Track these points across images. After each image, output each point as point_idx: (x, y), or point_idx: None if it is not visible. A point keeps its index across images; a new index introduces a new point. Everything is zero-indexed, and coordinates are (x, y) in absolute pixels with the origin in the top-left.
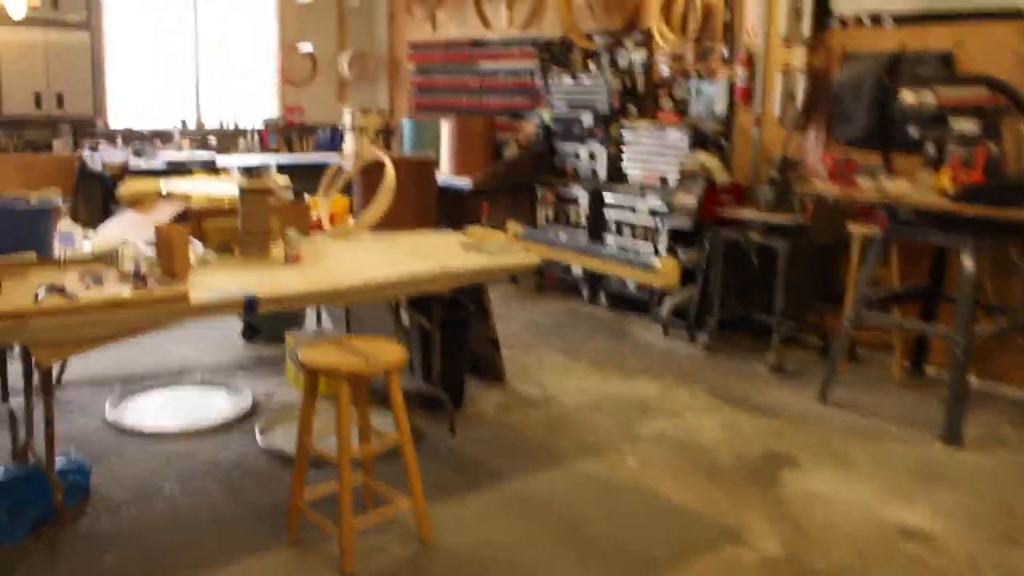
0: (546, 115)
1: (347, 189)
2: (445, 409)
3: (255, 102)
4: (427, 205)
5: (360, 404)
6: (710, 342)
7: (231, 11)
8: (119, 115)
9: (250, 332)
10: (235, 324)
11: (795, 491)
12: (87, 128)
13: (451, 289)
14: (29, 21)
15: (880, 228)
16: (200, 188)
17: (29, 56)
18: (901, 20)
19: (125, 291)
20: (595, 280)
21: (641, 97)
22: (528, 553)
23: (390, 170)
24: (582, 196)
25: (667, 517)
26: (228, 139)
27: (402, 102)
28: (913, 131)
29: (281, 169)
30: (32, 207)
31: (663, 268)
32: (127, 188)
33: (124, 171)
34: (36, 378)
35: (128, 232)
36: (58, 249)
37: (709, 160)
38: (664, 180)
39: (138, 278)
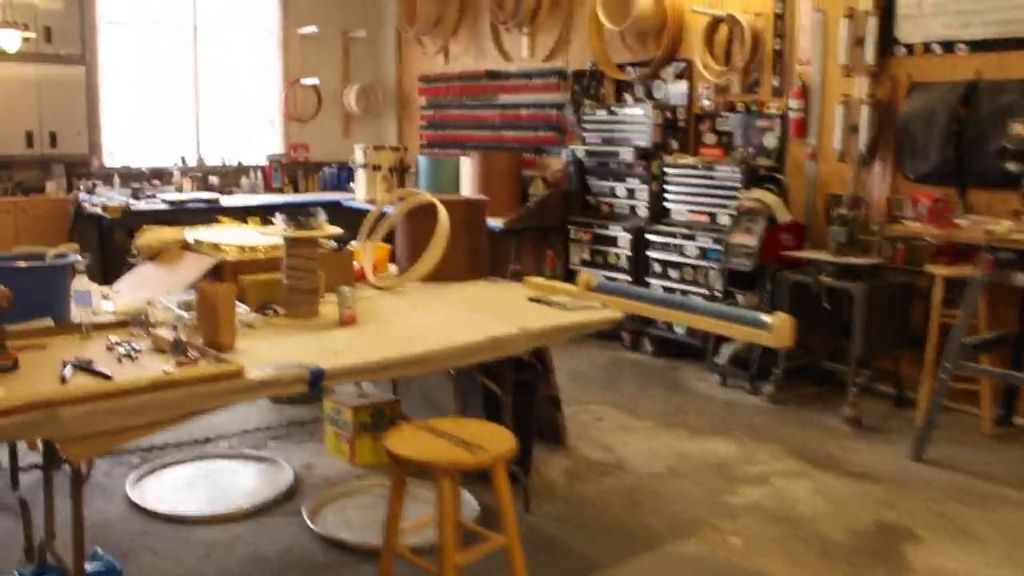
0: (579, 150)
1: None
2: (517, 481)
3: (258, 138)
4: (478, 251)
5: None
6: (776, 393)
7: (232, 43)
8: (114, 153)
9: None
10: None
11: (926, 570)
12: (81, 168)
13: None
14: (21, 56)
15: (985, 271)
16: (229, 237)
17: (21, 93)
18: (976, 46)
19: (170, 368)
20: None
21: (681, 131)
22: None
23: (443, 215)
24: (622, 236)
25: None
26: (230, 177)
27: (412, 137)
28: (1013, 166)
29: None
30: (48, 265)
31: (776, 325)
32: (146, 238)
33: (125, 214)
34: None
35: (151, 289)
36: (77, 313)
37: (768, 197)
38: (713, 218)
39: (179, 349)
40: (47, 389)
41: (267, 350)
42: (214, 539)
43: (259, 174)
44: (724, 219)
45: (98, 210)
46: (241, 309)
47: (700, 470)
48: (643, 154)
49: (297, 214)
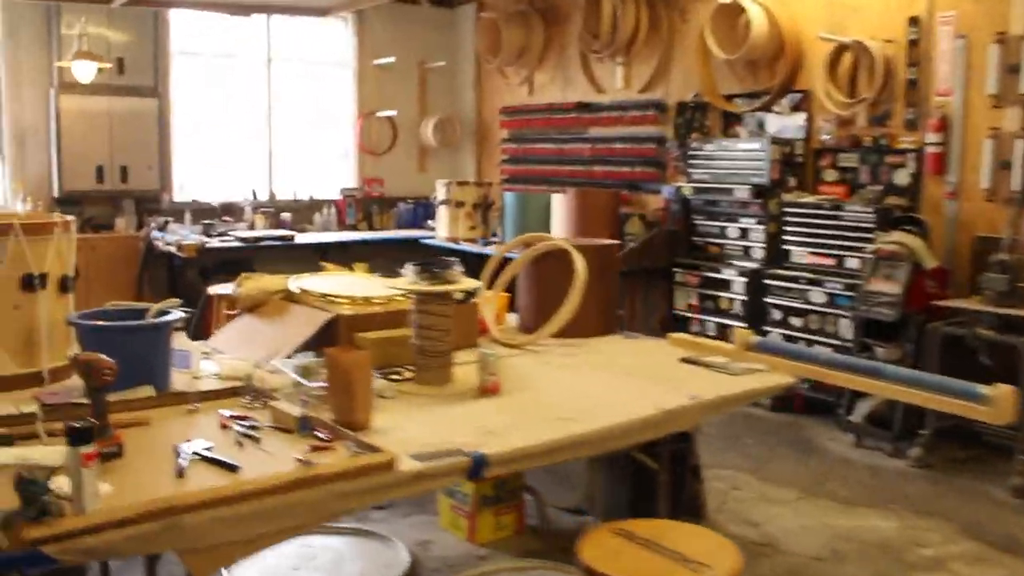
0: (686, 187)
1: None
2: None
3: (330, 172)
4: (611, 303)
5: None
6: (924, 456)
7: (306, 74)
8: (184, 188)
9: None
10: None
11: None
12: (151, 204)
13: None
14: (93, 88)
15: None
16: (338, 286)
17: (92, 126)
18: None
19: (302, 454)
20: None
21: (799, 167)
22: None
23: (580, 263)
24: (736, 280)
25: None
26: (302, 213)
27: (491, 172)
28: None
29: (364, 247)
30: (150, 324)
31: (996, 398)
32: (247, 287)
33: (200, 252)
34: None
35: (256, 348)
36: (179, 377)
37: (911, 240)
38: (840, 262)
39: (307, 427)
40: (163, 487)
41: (408, 428)
42: None
43: (332, 210)
44: (852, 263)
45: (172, 248)
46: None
47: (864, 552)
48: (759, 192)
49: (429, 264)
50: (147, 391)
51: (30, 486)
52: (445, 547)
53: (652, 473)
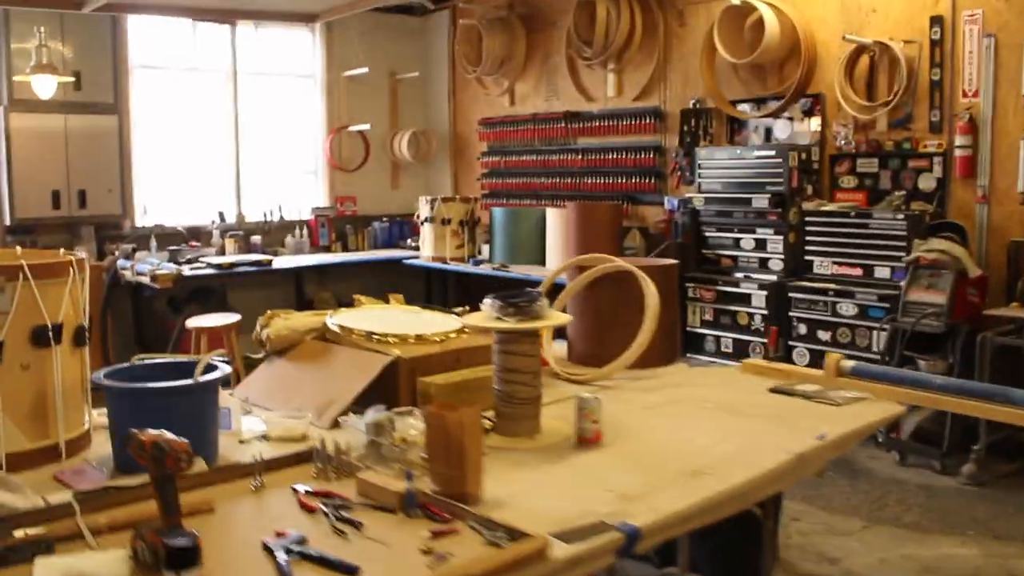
0: (697, 198)
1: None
2: None
3: (300, 191)
4: (673, 327)
5: None
6: (978, 473)
7: (272, 88)
8: (146, 212)
9: None
10: None
11: None
12: (111, 230)
13: None
14: (46, 105)
15: None
16: (382, 322)
17: (48, 147)
18: None
19: (444, 548)
20: None
21: (815, 174)
22: None
23: (651, 287)
24: (756, 294)
25: None
26: (273, 235)
27: (469, 187)
28: None
29: (344, 269)
30: (200, 383)
31: None
32: (276, 327)
33: (176, 282)
34: None
35: (302, 399)
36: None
37: (954, 248)
38: (868, 272)
39: (413, 504)
40: None
41: (526, 496)
42: None
43: (304, 231)
44: (882, 272)
45: (144, 278)
46: None
47: None
48: (778, 201)
49: (513, 297)
50: (199, 465)
51: None
52: None
53: (751, 520)
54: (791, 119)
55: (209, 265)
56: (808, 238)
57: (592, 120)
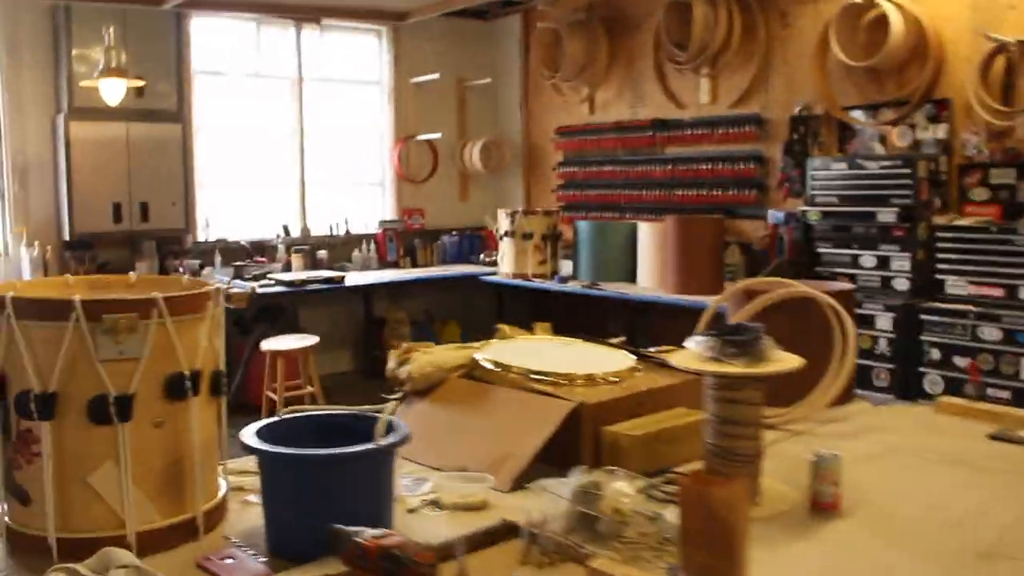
0: (812, 212)
1: None
2: None
3: (366, 204)
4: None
5: None
6: None
7: (338, 95)
8: (208, 225)
9: None
10: None
11: None
12: (172, 245)
13: None
14: (107, 112)
15: None
16: (539, 358)
17: (108, 157)
18: None
19: None
20: None
21: (943, 185)
22: None
23: (847, 318)
24: (882, 316)
25: None
26: (339, 250)
27: (543, 199)
28: None
29: (419, 287)
30: (380, 447)
31: None
32: (420, 363)
33: (251, 301)
34: None
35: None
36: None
37: None
38: (1012, 293)
39: None
40: None
41: None
42: None
43: (371, 245)
44: None
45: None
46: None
47: None
48: (907, 215)
49: (734, 334)
50: None
51: None
52: None
53: None
54: (912, 127)
55: (278, 282)
56: (939, 255)
57: (683, 128)
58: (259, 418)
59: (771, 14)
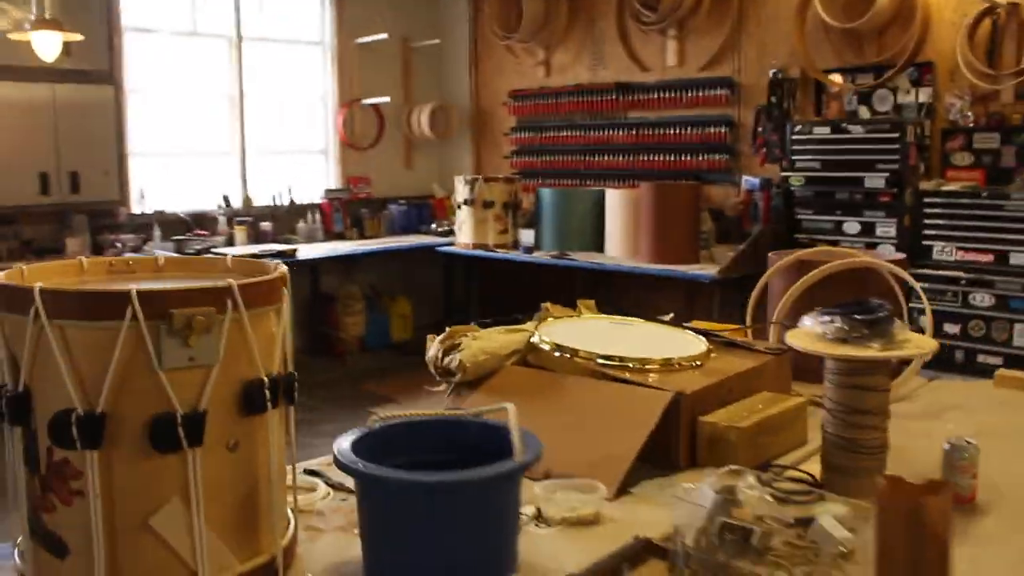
0: (795, 178)
1: None
2: None
3: (309, 172)
4: None
5: None
6: None
7: (278, 57)
8: (144, 197)
9: None
10: None
11: None
12: (105, 219)
13: None
14: (29, 72)
15: None
16: (601, 340)
17: (33, 122)
18: None
19: None
20: None
21: (925, 150)
22: None
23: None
24: None
25: None
26: (283, 221)
27: (494, 166)
28: None
29: (373, 260)
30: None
31: None
32: (473, 349)
33: None
34: None
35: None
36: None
37: None
38: (1002, 259)
39: None
40: None
41: None
42: None
43: (317, 215)
44: (1020, 259)
45: None
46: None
47: None
48: (896, 180)
49: (863, 312)
50: None
51: None
52: None
53: None
54: (894, 90)
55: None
56: (927, 221)
57: (648, 92)
58: None
59: None
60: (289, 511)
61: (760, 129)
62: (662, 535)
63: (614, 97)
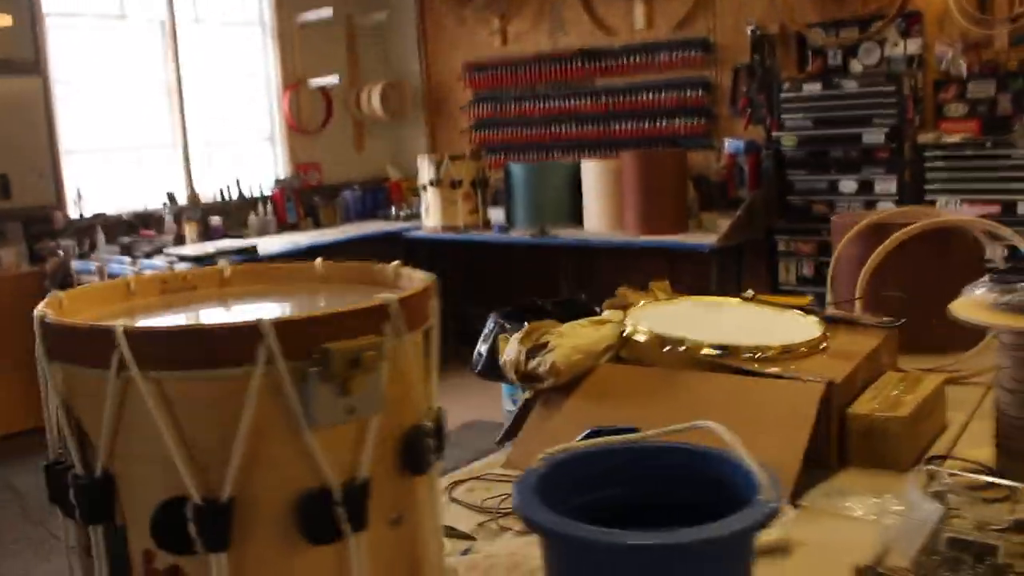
0: (786, 137)
1: None
2: None
3: (254, 161)
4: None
5: None
6: None
7: (216, 40)
8: (81, 198)
9: None
10: None
11: None
12: (40, 225)
13: None
14: None
15: None
16: (700, 327)
17: None
18: None
19: None
20: None
21: (918, 102)
22: None
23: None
24: None
25: None
26: (233, 215)
27: (452, 143)
28: None
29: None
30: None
31: None
32: (564, 348)
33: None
34: None
35: None
36: None
37: None
38: (1009, 209)
39: None
40: None
41: None
42: None
43: (269, 207)
44: None
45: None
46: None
47: None
48: (894, 135)
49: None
50: None
51: None
52: None
53: None
54: (881, 43)
55: (182, 258)
56: (928, 175)
57: (616, 57)
58: None
59: None
60: None
61: (745, 90)
62: (875, 558)
63: (580, 64)
